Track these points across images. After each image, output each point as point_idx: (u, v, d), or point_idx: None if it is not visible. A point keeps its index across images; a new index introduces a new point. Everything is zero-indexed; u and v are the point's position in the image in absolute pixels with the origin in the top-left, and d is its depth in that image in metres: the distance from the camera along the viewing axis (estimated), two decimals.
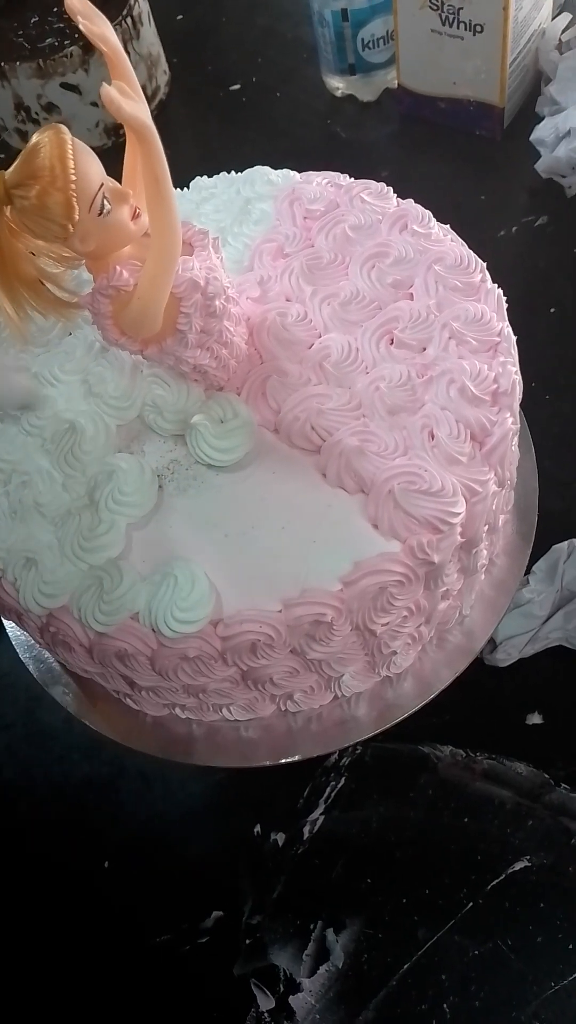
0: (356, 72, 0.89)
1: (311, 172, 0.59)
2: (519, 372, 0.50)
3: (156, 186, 0.37)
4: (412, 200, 0.55)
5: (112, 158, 0.41)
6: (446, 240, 0.53)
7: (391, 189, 0.56)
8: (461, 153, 0.85)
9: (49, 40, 0.88)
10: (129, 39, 0.89)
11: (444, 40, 0.80)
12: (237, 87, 0.98)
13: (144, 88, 0.93)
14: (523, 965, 0.50)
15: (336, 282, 0.52)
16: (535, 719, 0.57)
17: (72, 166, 0.35)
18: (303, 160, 0.63)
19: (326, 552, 0.45)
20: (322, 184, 0.57)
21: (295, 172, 0.59)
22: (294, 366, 0.49)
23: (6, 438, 0.51)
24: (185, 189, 0.61)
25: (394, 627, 0.48)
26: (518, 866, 0.53)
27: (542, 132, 0.80)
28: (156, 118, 0.37)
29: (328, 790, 0.56)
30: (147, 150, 0.37)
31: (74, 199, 0.36)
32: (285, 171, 0.59)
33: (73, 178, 0.35)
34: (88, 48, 0.86)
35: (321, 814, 0.56)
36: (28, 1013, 0.54)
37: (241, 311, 0.49)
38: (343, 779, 0.57)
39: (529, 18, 0.80)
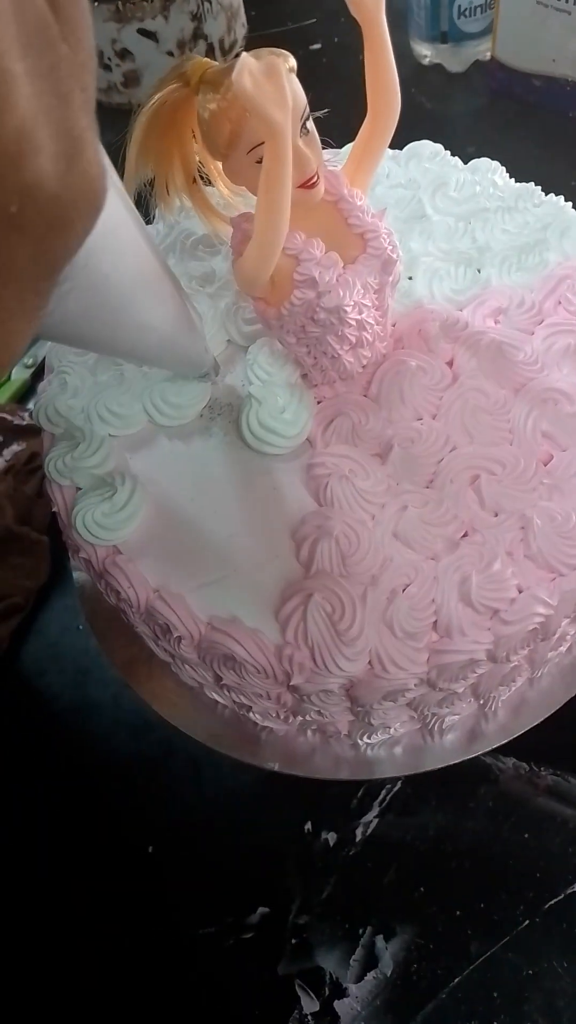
0: (448, 41, 0.85)
1: None
2: None
3: (266, 179, 0.35)
4: None
5: None
6: None
7: None
8: (553, 135, 0.82)
9: None
10: None
11: (549, 13, 0.76)
12: (318, 47, 0.94)
13: (222, 41, 0.90)
14: None
15: (500, 385, 0.46)
16: None
17: (249, 111, 0.34)
18: None
19: (232, 585, 0.43)
20: None
21: None
22: (378, 420, 0.45)
23: None
24: (533, 190, 0.55)
25: (251, 691, 0.46)
26: None
27: None
28: None
29: (383, 793, 0.55)
30: (269, 143, 0.34)
31: (237, 139, 0.36)
32: None
33: (246, 117, 0.35)
34: None
35: (375, 817, 0.54)
36: (61, 997, 0.53)
37: (373, 337, 0.45)
38: (399, 783, 0.55)
39: None
